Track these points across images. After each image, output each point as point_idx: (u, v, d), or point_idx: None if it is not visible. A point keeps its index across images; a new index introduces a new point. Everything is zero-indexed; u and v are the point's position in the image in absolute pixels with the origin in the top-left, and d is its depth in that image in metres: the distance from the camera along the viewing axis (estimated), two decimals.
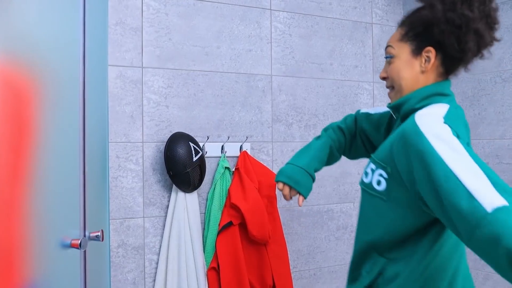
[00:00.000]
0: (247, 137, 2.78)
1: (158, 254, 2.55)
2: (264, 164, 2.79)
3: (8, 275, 1.17)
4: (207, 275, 2.55)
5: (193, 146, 2.49)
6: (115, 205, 2.48)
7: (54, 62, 1.43)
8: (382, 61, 3.26)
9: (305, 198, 1.77)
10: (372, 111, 1.82)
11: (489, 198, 1.12)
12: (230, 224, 2.57)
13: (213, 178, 2.67)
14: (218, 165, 2.67)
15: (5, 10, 1.17)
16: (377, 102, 3.23)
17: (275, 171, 2.85)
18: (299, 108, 2.95)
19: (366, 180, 1.45)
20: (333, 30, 3.07)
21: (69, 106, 1.53)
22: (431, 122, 1.29)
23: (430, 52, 1.44)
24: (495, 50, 2.80)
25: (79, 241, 1.45)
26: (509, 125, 2.74)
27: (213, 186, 2.63)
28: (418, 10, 1.49)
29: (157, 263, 2.55)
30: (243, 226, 2.61)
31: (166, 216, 2.57)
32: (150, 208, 2.56)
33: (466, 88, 2.95)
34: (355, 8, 3.17)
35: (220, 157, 2.69)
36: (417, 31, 1.45)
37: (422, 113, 1.34)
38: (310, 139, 2.82)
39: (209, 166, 2.67)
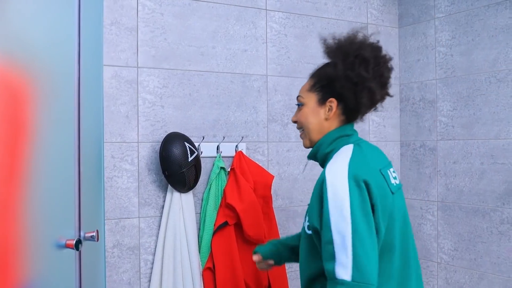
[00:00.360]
0: (242, 137, 2.79)
1: (154, 254, 2.55)
2: (260, 164, 2.79)
3: (3, 275, 1.17)
4: (202, 275, 2.55)
5: (188, 146, 2.49)
6: (110, 205, 2.47)
7: (49, 62, 1.42)
8: None
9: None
10: None
11: (342, 267, 1.45)
12: (225, 224, 2.57)
13: (209, 178, 2.67)
14: (213, 165, 2.67)
15: (1, 10, 1.17)
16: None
17: (271, 171, 2.86)
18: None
19: (304, 224, 1.68)
20: (328, 30, 3.07)
21: (64, 106, 1.53)
22: (334, 178, 1.54)
23: (333, 103, 1.69)
24: (490, 50, 2.81)
25: (74, 242, 1.45)
26: (504, 125, 2.75)
27: (208, 186, 2.63)
28: (325, 66, 1.76)
29: (152, 263, 2.55)
30: (238, 226, 2.61)
31: (161, 216, 2.56)
32: (146, 208, 2.55)
33: (461, 88, 2.96)
34: (351, 9, 3.17)
35: (216, 157, 2.68)
36: (323, 84, 1.72)
37: (329, 168, 1.58)
38: None
39: (205, 166, 2.67)
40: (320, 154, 1.72)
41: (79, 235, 1.58)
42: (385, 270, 1.57)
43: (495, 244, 2.79)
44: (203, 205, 2.64)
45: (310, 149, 1.77)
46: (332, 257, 1.48)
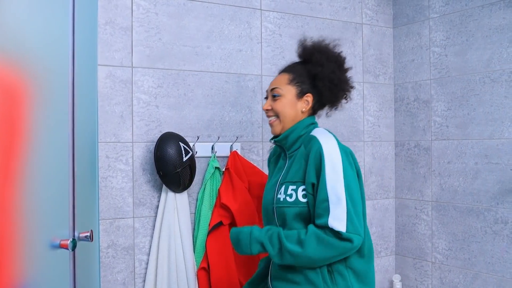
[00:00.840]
0: (237, 137, 2.78)
1: (148, 255, 2.55)
2: (254, 164, 2.79)
3: None
4: (197, 275, 2.55)
5: (183, 146, 2.49)
6: (105, 205, 2.47)
7: (42, 61, 1.42)
8: (372, 62, 3.27)
9: None
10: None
11: (337, 220, 1.75)
12: (220, 224, 2.57)
13: (203, 178, 2.67)
14: (208, 165, 2.67)
15: None
16: (366, 102, 3.25)
17: (265, 171, 2.86)
18: None
19: (291, 200, 1.89)
20: (323, 30, 3.07)
21: (58, 106, 1.52)
22: (329, 148, 1.84)
23: (309, 98, 2.00)
24: (484, 51, 2.82)
25: (69, 242, 1.44)
26: (498, 125, 2.76)
27: (203, 186, 2.63)
28: (303, 64, 2.04)
29: (147, 264, 2.55)
30: (233, 226, 2.61)
31: (156, 216, 2.56)
32: (140, 208, 2.55)
33: (455, 89, 2.97)
34: (345, 9, 3.18)
35: (210, 157, 2.68)
36: (302, 79, 2.00)
37: (323, 141, 1.87)
38: None
39: (199, 166, 2.67)
40: (293, 136, 1.98)
41: (74, 235, 1.57)
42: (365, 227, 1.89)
43: (489, 243, 2.80)
44: (197, 205, 2.64)
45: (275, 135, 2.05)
46: (327, 212, 1.76)
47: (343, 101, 2.07)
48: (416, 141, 3.22)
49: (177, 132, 2.60)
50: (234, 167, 2.66)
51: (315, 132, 1.93)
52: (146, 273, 2.52)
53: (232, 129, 2.78)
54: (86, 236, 1.61)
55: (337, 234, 1.74)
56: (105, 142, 2.47)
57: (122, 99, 2.51)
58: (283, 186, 1.92)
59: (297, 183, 1.88)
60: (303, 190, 1.85)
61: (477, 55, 2.85)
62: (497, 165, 2.77)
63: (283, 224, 1.91)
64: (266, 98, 2.08)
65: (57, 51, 1.52)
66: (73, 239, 1.46)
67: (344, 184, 1.79)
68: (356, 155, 3.18)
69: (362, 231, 1.78)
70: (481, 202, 2.84)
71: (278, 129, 2.01)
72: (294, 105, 1.99)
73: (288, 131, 1.98)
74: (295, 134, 1.97)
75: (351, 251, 1.79)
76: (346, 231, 1.74)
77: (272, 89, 2.01)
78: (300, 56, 2.10)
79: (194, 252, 2.58)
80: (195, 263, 2.55)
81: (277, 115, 1.99)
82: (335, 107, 2.08)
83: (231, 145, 2.74)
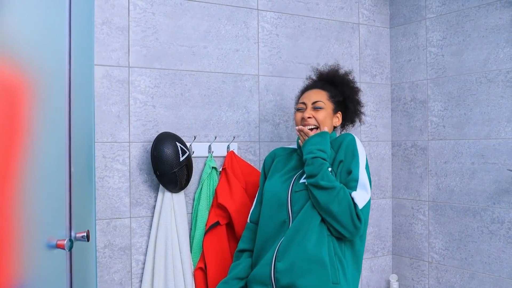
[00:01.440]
0: (234, 137, 2.78)
1: (145, 255, 2.55)
2: (251, 164, 2.79)
3: None
4: (194, 275, 2.55)
5: (180, 146, 2.48)
6: (102, 205, 2.46)
7: (39, 61, 1.42)
8: (368, 62, 3.28)
9: None
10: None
11: (360, 198, 2.07)
12: (217, 224, 2.57)
13: (200, 178, 2.67)
14: (205, 165, 2.66)
15: None
16: (363, 101, 3.24)
17: None
18: (286, 108, 2.95)
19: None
20: (320, 30, 3.08)
21: (55, 106, 1.52)
22: (359, 144, 2.20)
23: (340, 115, 2.38)
24: (481, 51, 2.82)
25: (65, 242, 1.44)
26: (494, 125, 2.77)
27: (200, 186, 2.63)
28: (335, 87, 2.38)
29: (144, 264, 2.54)
30: (230, 226, 2.61)
31: (153, 216, 2.56)
32: (137, 208, 2.55)
33: (452, 89, 2.97)
34: (342, 9, 3.18)
35: (207, 157, 2.68)
36: (338, 99, 2.35)
37: (355, 138, 2.23)
38: None
39: (196, 166, 2.67)
40: (331, 141, 2.27)
41: (70, 235, 1.57)
42: None
43: (485, 243, 2.80)
44: (194, 205, 2.64)
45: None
46: (353, 189, 2.09)
47: (359, 123, 2.48)
48: (412, 141, 3.22)
49: (174, 132, 2.60)
50: (231, 167, 2.66)
51: (349, 136, 2.25)
52: (143, 273, 2.52)
53: (229, 129, 2.78)
54: (82, 236, 1.61)
55: (354, 205, 2.05)
56: (101, 142, 2.46)
57: (119, 99, 2.51)
58: (304, 176, 2.18)
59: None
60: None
61: (474, 55, 2.86)
62: (493, 165, 2.77)
63: (298, 211, 2.14)
64: (298, 109, 2.33)
65: (53, 51, 1.52)
66: (70, 239, 1.46)
67: (368, 178, 2.14)
68: None
69: (365, 226, 2.09)
70: (477, 202, 2.84)
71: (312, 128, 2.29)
72: (330, 119, 2.31)
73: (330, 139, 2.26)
74: (331, 139, 2.27)
75: (349, 229, 2.05)
76: (360, 210, 2.05)
77: (316, 102, 2.28)
78: (327, 78, 2.43)
79: (191, 252, 2.58)
80: (192, 263, 2.55)
81: (316, 125, 2.27)
82: (352, 125, 2.46)
83: (228, 145, 2.74)
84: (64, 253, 1.52)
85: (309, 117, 2.27)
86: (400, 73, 3.30)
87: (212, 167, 2.65)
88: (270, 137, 2.90)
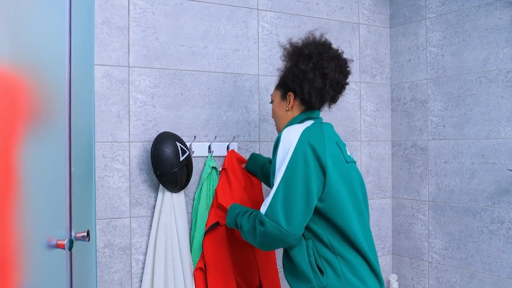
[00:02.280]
0: (234, 137, 2.78)
1: (145, 254, 2.55)
2: None
3: None
4: (194, 275, 2.55)
5: (180, 146, 2.48)
6: (102, 205, 2.46)
7: (39, 61, 1.42)
8: (368, 61, 3.28)
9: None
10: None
11: (264, 203, 1.88)
12: (217, 224, 2.57)
13: (200, 178, 2.67)
14: (205, 164, 2.66)
15: None
16: (363, 102, 3.25)
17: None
18: None
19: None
20: (320, 30, 3.07)
21: (55, 106, 1.52)
22: (287, 136, 1.90)
23: (290, 96, 2.09)
24: (481, 50, 2.82)
25: (65, 242, 1.44)
26: (494, 125, 2.77)
27: (200, 186, 2.63)
28: (285, 61, 2.13)
29: (144, 263, 2.54)
30: None
31: (152, 216, 2.56)
32: (137, 208, 2.55)
33: (452, 88, 2.98)
34: (342, 9, 3.18)
35: (207, 156, 2.68)
36: (281, 81, 2.14)
37: (286, 129, 1.93)
38: None
39: (196, 165, 2.67)
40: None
41: (70, 235, 1.57)
42: (339, 225, 1.87)
43: (485, 243, 2.80)
44: (194, 204, 2.64)
45: None
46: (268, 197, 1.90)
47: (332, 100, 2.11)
48: (412, 141, 3.22)
49: (174, 132, 2.60)
50: (231, 167, 2.65)
51: (296, 124, 2.03)
52: (143, 273, 2.52)
53: (229, 128, 2.78)
54: (82, 236, 1.61)
55: (259, 215, 1.89)
56: (101, 141, 2.46)
57: (119, 99, 2.51)
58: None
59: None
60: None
61: (474, 55, 2.86)
62: (493, 165, 2.77)
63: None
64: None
65: (54, 50, 1.52)
66: (70, 239, 1.46)
67: (284, 175, 1.86)
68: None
69: (284, 223, 1.82)
70: (477, 202, 2.85)
71: (277, 131, 2.18)
72: (280, 107, 2.14)
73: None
74: None
75: (268, 237, 1.85)
76: (264, 214, 1.86)
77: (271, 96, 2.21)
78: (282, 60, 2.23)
79: (191, 252, 2.58)
80: (192, 263, 2.55)
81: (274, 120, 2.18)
82: (325, 97, 2.05)
83: (228, 145, 2.74)
84: (64, 253, 1.52)
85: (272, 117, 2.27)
86: (400, 73, 3.30)
87: (212, 167, 2.65)
88: (270, 137, 2.90)
